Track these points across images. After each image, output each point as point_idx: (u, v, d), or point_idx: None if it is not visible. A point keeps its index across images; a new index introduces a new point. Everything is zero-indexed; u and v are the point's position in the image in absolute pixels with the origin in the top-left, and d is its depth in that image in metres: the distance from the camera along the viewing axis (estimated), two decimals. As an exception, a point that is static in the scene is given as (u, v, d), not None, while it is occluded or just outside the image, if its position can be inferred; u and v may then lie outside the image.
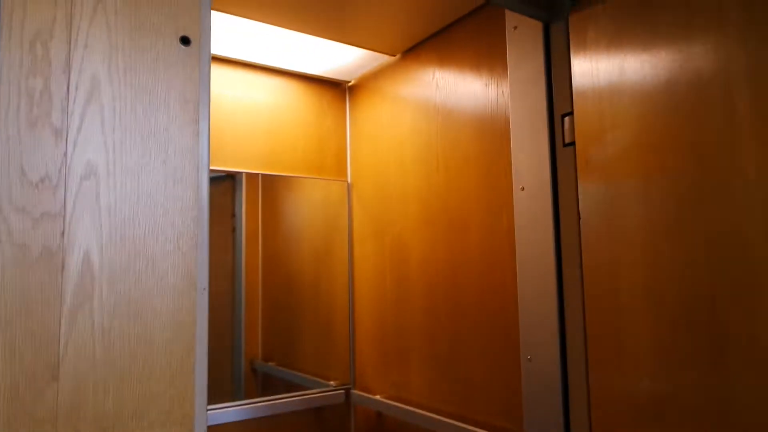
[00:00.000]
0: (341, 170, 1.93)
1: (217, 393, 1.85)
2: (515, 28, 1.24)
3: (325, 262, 1.96)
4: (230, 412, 1.61)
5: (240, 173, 1.90)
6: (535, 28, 1.19)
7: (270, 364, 2.46)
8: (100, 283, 0.56)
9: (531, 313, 1.16)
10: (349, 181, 1.94)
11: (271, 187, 2.03)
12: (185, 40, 0.63)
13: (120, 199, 0.58)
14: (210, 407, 1.59)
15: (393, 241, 1.69)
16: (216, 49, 1.62)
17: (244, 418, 1.62)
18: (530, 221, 1.18)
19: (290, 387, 1.97)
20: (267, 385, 2.31)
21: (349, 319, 1.85)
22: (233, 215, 2.26)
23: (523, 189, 1.21)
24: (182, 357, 0.61)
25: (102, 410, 0.56)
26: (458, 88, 1.45)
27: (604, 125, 1.04)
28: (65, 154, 0.54)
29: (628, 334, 1.00)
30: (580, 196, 1.09)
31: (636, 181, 0.98)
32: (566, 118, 1.12)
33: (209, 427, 1.57)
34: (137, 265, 0.59)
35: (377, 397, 1.68)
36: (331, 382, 1.85)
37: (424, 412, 1.47)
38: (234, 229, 2.41)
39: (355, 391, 1.79)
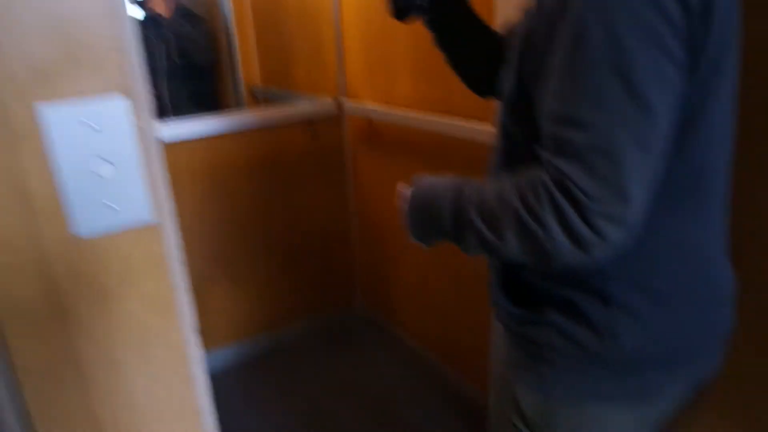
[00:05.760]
0: None
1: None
2: None
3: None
4: (234, 120, 1.70)
5: None
6: None
7: (269, 87, 2.52)
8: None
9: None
10: None
11: None
12: None
13: None
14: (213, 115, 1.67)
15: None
16: None
17: (242, 128, 1.72)
18: None
19: (289, 106, 2.00)
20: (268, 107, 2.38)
21: (336, 33, 1.81)
22: None
23: None
24: None
25: None
26: None
27: None
28: None
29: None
30: None
31: None
32: None
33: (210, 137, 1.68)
34: None
35: (368, 105, 1.75)
36: (326, 98, 1.91)
37: (411, 113, 1.54)
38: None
39: (346, 99, 1.85)
